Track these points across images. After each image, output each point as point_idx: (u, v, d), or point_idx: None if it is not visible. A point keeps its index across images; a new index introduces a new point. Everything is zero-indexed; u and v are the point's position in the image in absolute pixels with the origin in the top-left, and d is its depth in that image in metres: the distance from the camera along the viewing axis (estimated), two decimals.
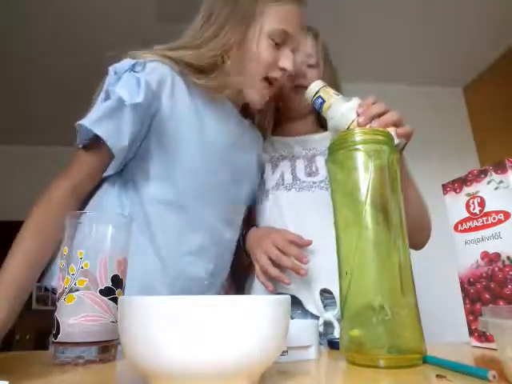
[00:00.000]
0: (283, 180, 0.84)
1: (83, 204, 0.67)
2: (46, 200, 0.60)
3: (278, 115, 0.98)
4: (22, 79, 2.40)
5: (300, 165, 0.86)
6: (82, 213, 0.47)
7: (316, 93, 0.64)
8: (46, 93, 2.60)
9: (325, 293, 0.73)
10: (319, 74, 0.91)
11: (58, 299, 0.44)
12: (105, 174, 0.68)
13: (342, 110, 0.61)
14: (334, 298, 0.72)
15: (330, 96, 0.63)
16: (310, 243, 0.71)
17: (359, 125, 0.58)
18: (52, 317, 0.44)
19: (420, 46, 2.21)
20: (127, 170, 0.71)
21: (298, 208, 0.80)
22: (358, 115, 0.59)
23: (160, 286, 0.67)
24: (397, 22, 1.97)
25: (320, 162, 0.85)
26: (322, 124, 0.97)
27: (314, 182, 0.82)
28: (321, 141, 0.89)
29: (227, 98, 0.77)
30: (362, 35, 2.04)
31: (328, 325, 0.68)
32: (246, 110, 0.84)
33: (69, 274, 0.44)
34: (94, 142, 0.63)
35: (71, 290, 0.43)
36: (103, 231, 0.46)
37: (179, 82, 0.69)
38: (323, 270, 0.73)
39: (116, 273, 0.46)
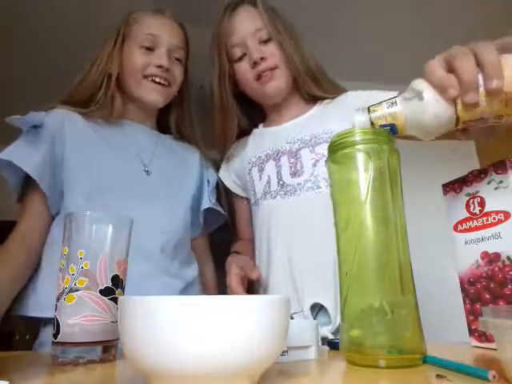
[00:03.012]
0: (269, 187, 0.82)
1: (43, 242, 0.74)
2: (2, 249, 0.70)
3: (263, 110, 0.94)
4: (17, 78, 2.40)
5: (285, 164, 0.82)
6: (81, 213, 0.47)
7: (372, 124, 0.43)
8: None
9: (314, 308, 0.70)
10: (279, 46, 0.81)
11: (58, 299, 0.44)
12: (54, 212, 0.75)
13: (429, 108, 0.40)
14: (327, 312, 0.69)
15: (388, 108, 0.43)
16: (258, 276, 0.73)
17: (470, 106, 0.39)
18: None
19: (420, 46, 2.21)
20: (64, 204, 0.76)
21: (286, 219, 0.78)
22: (456, 98, 0.39)
23: None
24: (396, 21, 1.97)
25: (305, 156, 0.80)
26: (311, 98, 0.89)
27: (299, 184, 0.78)
28: (306, 125, 0.84)
29: (128, 119, 0.87)
30: (362, 35, 2.04)
31: (325, 340, 0.64)
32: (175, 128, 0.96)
33: (69, 273, 0.44)
34: (26, 190, 0.74)
35: (71, 290, 0.43)
36: (103, 231, 0.46)
37: (74, 116, 0.80)
38: (312, 284, 0.71)
39: (116, 273, 0.46)
